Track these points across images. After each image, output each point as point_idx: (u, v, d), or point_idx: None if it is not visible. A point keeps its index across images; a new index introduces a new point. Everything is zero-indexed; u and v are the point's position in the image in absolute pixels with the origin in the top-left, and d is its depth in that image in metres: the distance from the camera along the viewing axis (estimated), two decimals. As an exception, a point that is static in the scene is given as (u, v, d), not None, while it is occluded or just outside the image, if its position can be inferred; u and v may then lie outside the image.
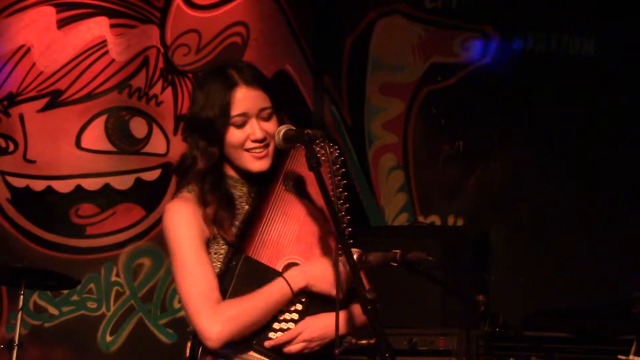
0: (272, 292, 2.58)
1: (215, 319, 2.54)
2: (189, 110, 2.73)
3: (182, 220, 2.63)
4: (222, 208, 2.64)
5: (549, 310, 4.67)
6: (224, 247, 2.64)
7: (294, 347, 2.59)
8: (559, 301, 4.94)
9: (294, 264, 2.65)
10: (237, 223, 2.65)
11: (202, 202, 2.65)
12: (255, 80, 2.66)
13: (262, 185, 2.70)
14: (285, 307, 2.61)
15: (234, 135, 2.64)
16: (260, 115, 2.65)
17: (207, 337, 2.54)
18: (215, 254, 2.65)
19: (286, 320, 2.61)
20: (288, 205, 2.68)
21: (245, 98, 2.64)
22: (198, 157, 2.66)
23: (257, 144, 2.64)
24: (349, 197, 2.63)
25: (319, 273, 2.61)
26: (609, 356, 3.99)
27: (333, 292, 2.56)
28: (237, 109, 2.63)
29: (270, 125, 2.66)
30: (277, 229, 2.66)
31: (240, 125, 2.64)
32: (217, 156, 2.66)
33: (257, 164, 2.66)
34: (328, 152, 2.60)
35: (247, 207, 2.68)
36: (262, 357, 2.60)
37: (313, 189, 2.68)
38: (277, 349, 2.60)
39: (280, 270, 2.63)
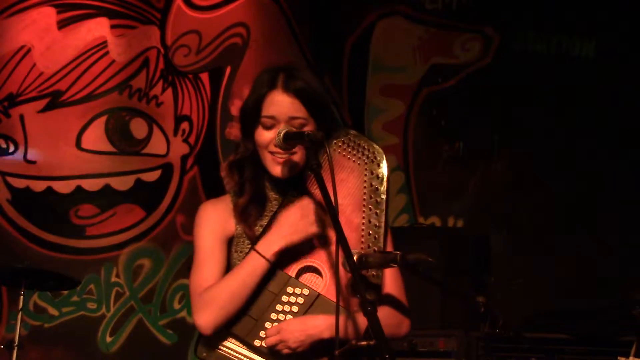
0: (245, 265, 2.61)
1: (200, 306, 2.61)
2: None
3: (206, 217, 2.72)
4: (253, 202, 2.68)
5: (549, 312, 4.67)
6: (249, 246, 2.66)
7: (279, 348, 2.60)
8: (559, 302, 4.94)
9: (310, 267, 2.66)
10: (264, 224, 2.67)
11: (238, 192, 2.69)
12: (296, 89, 2.66)
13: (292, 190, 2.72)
14: (282, 305, 2.62)
15: (261, 134, 2.67)
16: (291, 124, 2.65)
17: (197, 325, 2.62)
18: (240, 252, 2.68)
19: (279, 320, 2.62)
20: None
21: (277, 102, 2.65)
22: (239, 146, 2.73)
23: (279, 149, 2.65)
24: (384, 202, 2.65)
25: (290, 224, 2.62)
26: (608, 357, 3.99)
27: (312, 229, 2.59)
28: (267, 110, 2.65)
29: None
30: None
31: (269, 127, 2.66)
32: (251, 150, 2.69)
33: (277, 168, 2.67)
34: (365, 155, 2.64)
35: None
36: (251, 352, 2.62)
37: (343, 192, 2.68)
38: (265, 349, 2.61)
39: (294, 274, 2.64)
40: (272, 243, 2.61)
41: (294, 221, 2.62)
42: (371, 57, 5.82)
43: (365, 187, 2.68)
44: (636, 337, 3.81)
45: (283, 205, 2.68)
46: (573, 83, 5.41)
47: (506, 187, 5.48)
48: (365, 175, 2.68)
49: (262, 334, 2.62)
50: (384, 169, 2.67)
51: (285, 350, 2.60)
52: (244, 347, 2.63)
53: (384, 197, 2.66)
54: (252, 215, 2.68)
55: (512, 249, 5.33)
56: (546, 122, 5.41)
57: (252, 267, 2.60)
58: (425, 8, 5.74)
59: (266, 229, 2.66)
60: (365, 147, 2.69)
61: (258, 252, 2.60)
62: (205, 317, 2.60)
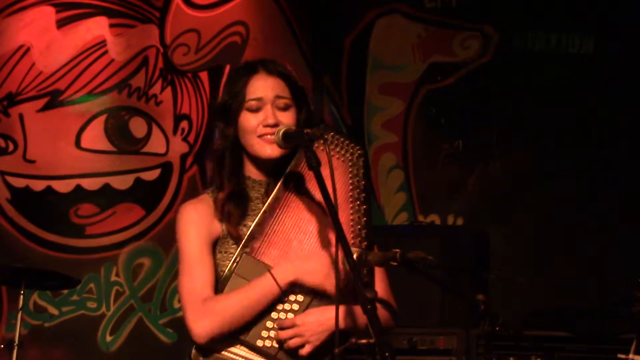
0: (258, 287, 2.59)
1: (201, 314, 2.57)
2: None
3: (190, 220, 2.69)
4: (232, 199, 2.67)
5: (549, 310, 4.67)
6: (233, 246, 2.65)
7: (292, 341, 2.59)
8: (559, 301, 4.93)
9: None
10: (250, 223, 2.66)
11: (219, 187, 2.69)
12: (277, 70, 2.71)
13: (275, 186, 2.71)
14: (283, 301, 2.62)
15: (247, 119, 2.67)
16: (276, 104, 2.67)
17: (194, 332, 2.59)
18: (225, 253, 2.67)
19: (280, 320, 2.62)
20: (298, 206, 2.68)
21: (262, 84, 2.68)
22: (217, 140, 2.72)
23: (268, 129, 2.65)
24: (367, 198, 2.65)
25: (310, 268, 2.61)
26: (608, 355, 3.99)
27: (326, 287, 2.58)
28: (252, 93, 2.67)
29: (286, 116, 2.68)
30: (286, 230, 2.66)
31: (255, 110, 2.67)
32: (232, 136, 2.68)
33: (268, 148, 2.66)
34: (349, 152, 2.63)
35: (262, 208, 2.69)
36: (255, 356, 2.61)
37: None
38: (271, 349, 2.60)
39: None
40: (288, 273, 2.60)
41: (318, 268, 2.61)
42: (370, 55, 5.82)
43: (351, 184, 2.68)
44: (636, 334, 3.81)
45: (277, 201, 2.67)
46: (572, 80, 5.40)
47: (506, 185, 5.48)
48: (350, 172, 2.68)
49: (264, 333, 2.61)
50: (365, 166, 2.68)
51: (297, 342, 2.57)
52: (244, 348, 2.62)
53: (366, 194, 2.66)
54: (234, 214, 2.66)
55: (512, 247, 5.33)
56: (546, 120, 5.40)
57: (264, 291, 2.58)
58: (424, 6, 5.74)
59: (255, 231, 2.64)
60: (347, 143, 2.69)
61: (274, 278, 2.59)
62: (207, 327, 2.57)
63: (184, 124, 5.51)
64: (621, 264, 5.01)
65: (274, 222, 2.66)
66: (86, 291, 5.31)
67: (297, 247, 2.66)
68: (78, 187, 5.33)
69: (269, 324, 2.61)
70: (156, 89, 5.47)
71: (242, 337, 2.60)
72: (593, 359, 4.29)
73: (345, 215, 2.63)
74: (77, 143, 5.34)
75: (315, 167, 2.49)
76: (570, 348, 4.32)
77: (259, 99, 2.66)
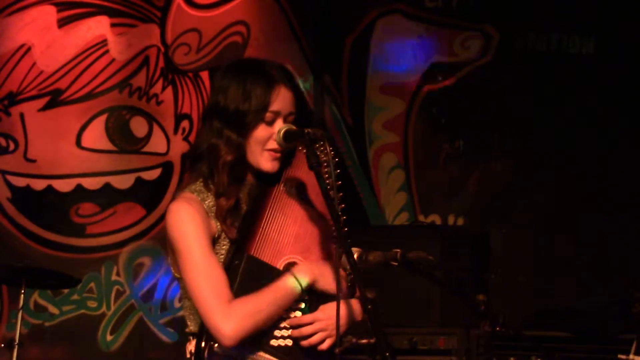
0: (282, 288, 2.58)
1: (229, 317, 2.53)
2: (213, 98, 2.70)
3: (189, 219, 2.62)
4: (235, 208, 2.66)
5: (549, 310, 4.67)
6: (225, 246, 2.64)
7: (315, 337, 2.58)
8: (559, 301, 4.94)
9: (293, 264, 2.66)
10: (236, 223, 2.66)
11: (222, 194, 2.65)
12: (294, 84, 2.70)
13: (261, 187, 2.70)
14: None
15: (261, 131, 2.64)
16: (288, 120, 2.66)
17: (223, 334, 2.53)
18: (217, 253, 2.66)
19: (289, 318, 2.62)
20: (287, 206, 2.69)
21: (283, 98, 2.65)
22: (221, 146, 2.65)
23: (277, 146, 2.65)
24: (346, 197, 2.64)
25: (326, 272, 2.61)
26: (609, 356, 4.00)
27: (333, 288, 2.57)
28: (273, 106, 2.64)
29: None
30: (276, 229, 2.66)
31: (270, 123, 2.65)
32: (245, 148, 2.65)
33: (271, 164, 2.66)
34: (328, 153, 2.62)
35: (245, 208, 2.69)
36: (270, 357, 2.61)
37: (312, 190, 2.69)
38: (285, 349, 2.60)
39: (280, 269, 2.64)
40: (307, 274, 2.59)
41: (327, 273, 2.60)
42: (371, 55, 5.82)
43: (328, 178, 2.66)
44: (636, 335, 3.82)
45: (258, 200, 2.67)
46: (573, 81, 5.41)
47: (506, 185, 5.48)
48: (326, 172, 2.66)
49: (277, 333, 2.61)
50: (339, 163, 2.69)
51: (320, 336, 2.57)
52: (257, 350, 2.61)
53: (342, 193, 2.66)
54: (230, 218, 2.64)
55: (512, 247, 5.33)
56: (546, 120, 5.41)
57: (288, 291, 2.57)
58: (425, 6, 5.74)
59: (244, 229, 2.63)
60: (322, 143, 2.68)
61: (296, 278, 2.58)
62: (238, 328, 2.52)
63: (185, 124, 5.52)
64: (621, 265, 5.02)
65: (265, 222, 2.65)
66: (87, 290, 5.31)
67: (288, 246, 2.66)
68: (79, 187, 5.34)
69: (281, 323, 2.61)
70: (157, 88, 5.48)
71: (256, 339, 2.58)
72: (593, 359, 4.30)
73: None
74: (78, 142, 5.35)
75: (315, 167, 2.50)
76: (570, 348, 4.33)
77: (276, 113, 2.65)
